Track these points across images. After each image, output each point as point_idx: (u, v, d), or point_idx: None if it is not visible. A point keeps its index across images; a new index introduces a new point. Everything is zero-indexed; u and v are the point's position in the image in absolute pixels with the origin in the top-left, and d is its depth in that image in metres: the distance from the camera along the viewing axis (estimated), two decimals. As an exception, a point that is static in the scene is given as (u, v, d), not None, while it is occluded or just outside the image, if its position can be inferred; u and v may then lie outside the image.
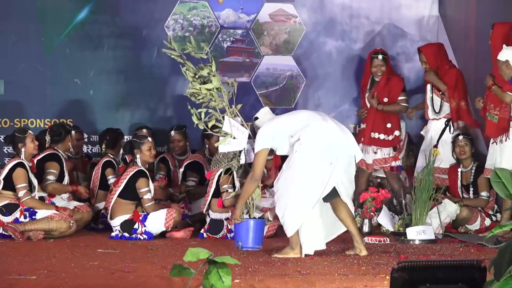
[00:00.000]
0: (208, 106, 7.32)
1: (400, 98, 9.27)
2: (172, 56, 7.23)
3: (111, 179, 8.88)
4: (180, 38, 10.40)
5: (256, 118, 7.43)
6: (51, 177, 8.51)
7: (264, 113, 7.50)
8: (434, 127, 9.20)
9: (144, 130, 9.31)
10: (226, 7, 10.56)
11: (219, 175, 8.09)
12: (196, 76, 7.16)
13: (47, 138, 8.70)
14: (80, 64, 10.22)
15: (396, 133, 9.28)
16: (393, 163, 9.31)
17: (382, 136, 9.25)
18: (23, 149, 8.19)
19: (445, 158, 8.99)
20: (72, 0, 10.22)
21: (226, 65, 10.58)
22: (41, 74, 10.14)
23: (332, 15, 10.69)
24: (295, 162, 6.84)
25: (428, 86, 9.24)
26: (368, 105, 9.31)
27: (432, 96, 9.17)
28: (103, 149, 9.29)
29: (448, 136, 9.09)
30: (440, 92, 9.11)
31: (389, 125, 9.24)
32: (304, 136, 6.83)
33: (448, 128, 9.12)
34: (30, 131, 8.36)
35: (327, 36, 10.68)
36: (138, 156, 8.24)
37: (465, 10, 10.20)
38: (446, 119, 9.14)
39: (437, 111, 9.14)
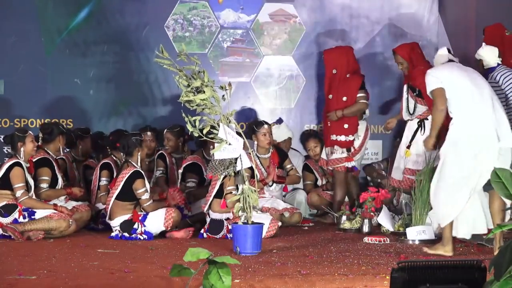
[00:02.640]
0: (203, 113, 7.31)
1: (358, 95, 9.39)
2: (164, 66, 7.19)
3: (103, 181, 8.89)
4: (180, 38, 10.40)
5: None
6: (44, 185, 8.47)
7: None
8: (409, 128, 9.12)
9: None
10: (226, 7, 10.56)
11: (224, 176, 8.07)
12: (189, 88, 7.13)
13: (40, 135, 8.68)
14: (80, 64, 10.23)
15: (350, 137, 9.38)
16: (347, 164, 9.39)
17: (341, 138, 9.37)
18: (22, 149, 8.17)
19: (419, 160, 8.95)
20: (72, 0, 10.23)
21: (226, 65, 10.58)
22: (41, 74, 10.15)
23: (332, 15, 10.70)
24: (442, 154, 7.01)
25: (405, 87, 9.15)
26: None
27: (408, 97, 9.09)
28: (108, 150, 9.28)
29: (420, 137, 9.02)
30: (414, 94, 9.02)
31: (346, 126, 9.38)
32: (454, 122, 6.99)
33: (420, 129, 9.03)
34: (30, 132, 8.34)
35: (327, 36, 10.68)
36: (139, 154, 8.26)
37: (465, 10, 10.20)
38: (418, 120, 9.06)
39: (411, 112, 9.07)
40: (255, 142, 9.35)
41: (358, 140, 9.53)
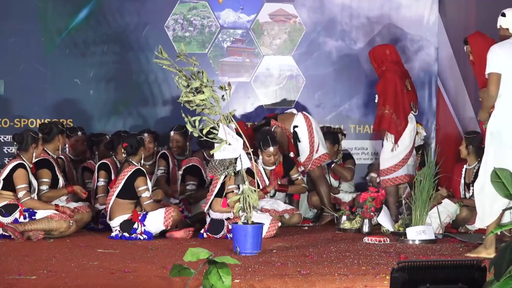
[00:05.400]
0: (203, 113, 7.32)
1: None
2: (164, 67, 7.17)
3: (101, 182, 8.89)
4: (180, 38, 10.40)
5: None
6: (44, 187, 8.43)
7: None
8: None
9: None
10: (226, 7, 10.56)
11: (225, 176, 8.06)
12: (189, 88, 7.12)
13: (39, 136, 8.65)
14: (80, 64, 10.22)
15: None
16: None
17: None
18: (35, 150, 8.16)
19: (386, 159, 8.93)
20: (72, 0, 10.22)
21: (226, 65, 10.58)
22: (41, 74, 10.14)
23: (332, 15, 10.69)
24: (486, 148, 6.85)
25: None
26: None
27: None
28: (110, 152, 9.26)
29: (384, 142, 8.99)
30: None
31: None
32: (496, 113, 6.77)
33: None
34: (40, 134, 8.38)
35: (327, 36, 10.68)
36: (142, 153, 8.32)
37: (465, 10, 10.20)
38: None
39: None
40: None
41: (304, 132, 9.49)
